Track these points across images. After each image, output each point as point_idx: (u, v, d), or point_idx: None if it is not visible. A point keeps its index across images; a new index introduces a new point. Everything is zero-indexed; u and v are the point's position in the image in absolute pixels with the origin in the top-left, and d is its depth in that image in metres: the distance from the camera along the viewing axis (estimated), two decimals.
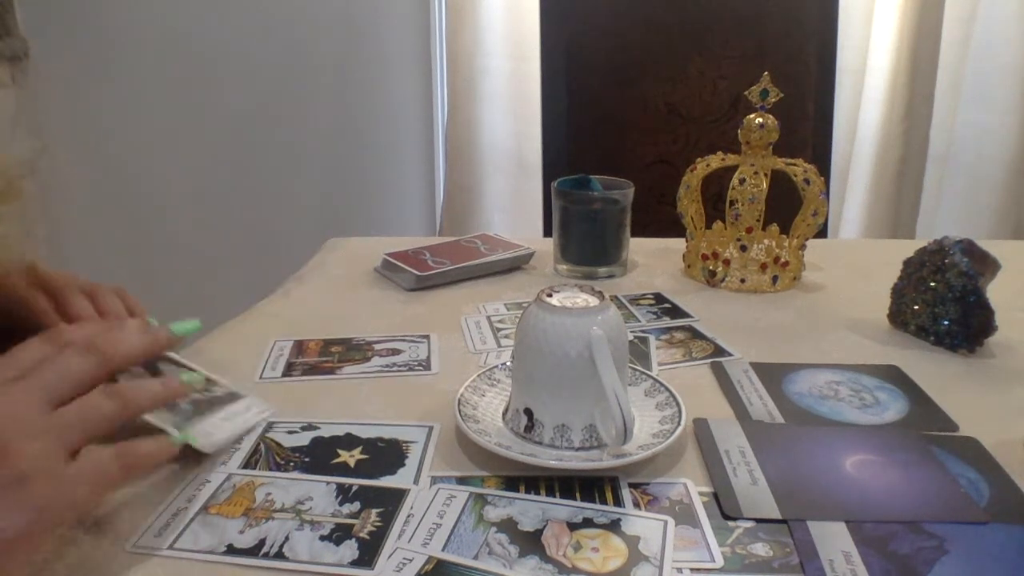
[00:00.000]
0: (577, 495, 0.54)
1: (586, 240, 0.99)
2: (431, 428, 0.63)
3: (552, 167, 1.48)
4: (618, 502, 0.54)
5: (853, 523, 0.52)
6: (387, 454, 0.59)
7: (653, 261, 1.05)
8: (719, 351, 0.78)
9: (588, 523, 0.52)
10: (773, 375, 0.73)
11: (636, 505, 0.54)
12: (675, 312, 0.88)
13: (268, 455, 0.59)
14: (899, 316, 0.83)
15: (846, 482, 0.57)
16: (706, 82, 1.47)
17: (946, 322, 0.78)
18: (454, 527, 0.51)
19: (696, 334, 0.83)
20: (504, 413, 0.62)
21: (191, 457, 0.57)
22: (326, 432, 0.62)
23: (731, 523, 0.52)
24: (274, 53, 1.58)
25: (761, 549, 0.50)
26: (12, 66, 0.90)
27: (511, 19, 2.01)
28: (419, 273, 0.94)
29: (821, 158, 1.45)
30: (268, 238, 1.59)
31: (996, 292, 0.78)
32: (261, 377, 0.72)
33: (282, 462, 0.58)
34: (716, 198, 1.06)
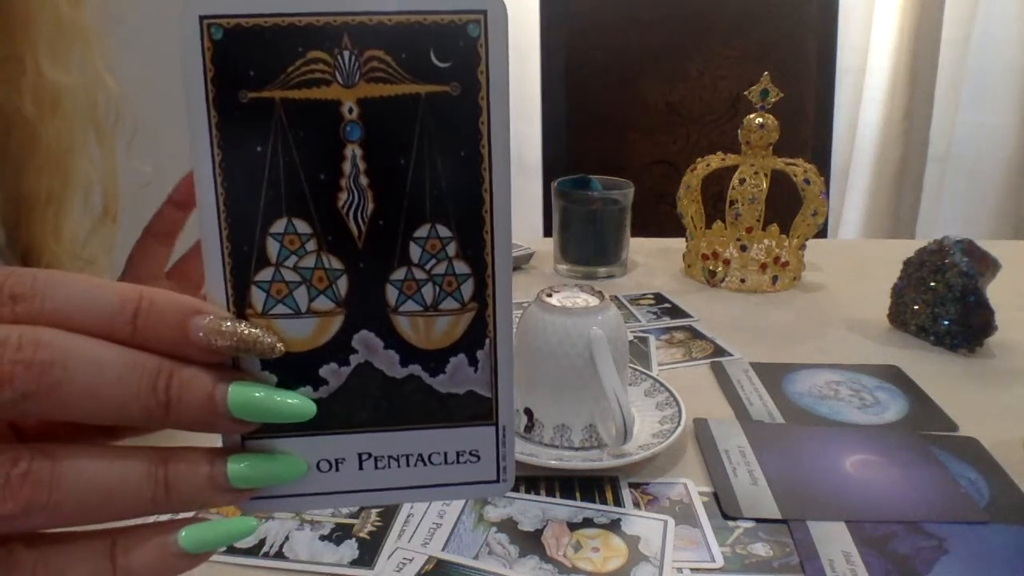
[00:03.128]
0: (577, 495, 0.54)
1: (586, 240, 0.99)
2: None
3: (552, 167, 1.48)
4: (618, 502, 0.54)
5: (853, 523, 0.52)
6: None
7: (653, 261, 1.05)
8: (719, 351, 0.78)
9: (588, 523, 0.52)
10: (773, 375, 0.73)
11: (636, 505, 0.54)
12: (675, 312, 0.88)
13: None
14: (899, 316, 0.83)
15: (846, 482, 0.57)
16: (706, 82, 1.47)
17: (946, 322, 0.78)
18: (454, 527, 0.51)
19: (696, 334, 0.83)
20: None
21: None
22: None
23: (731, 523, 0.52)
24: None
25: (761, 549, 0.50)
26: None
27: (511, 19, 2.01)
28: None
29: (821, 158, 1.45)
30: None
31: (996, 292, 0.78)
32: None
33: None
34: (716, 198, 1.06)
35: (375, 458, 0.27)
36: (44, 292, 0.23)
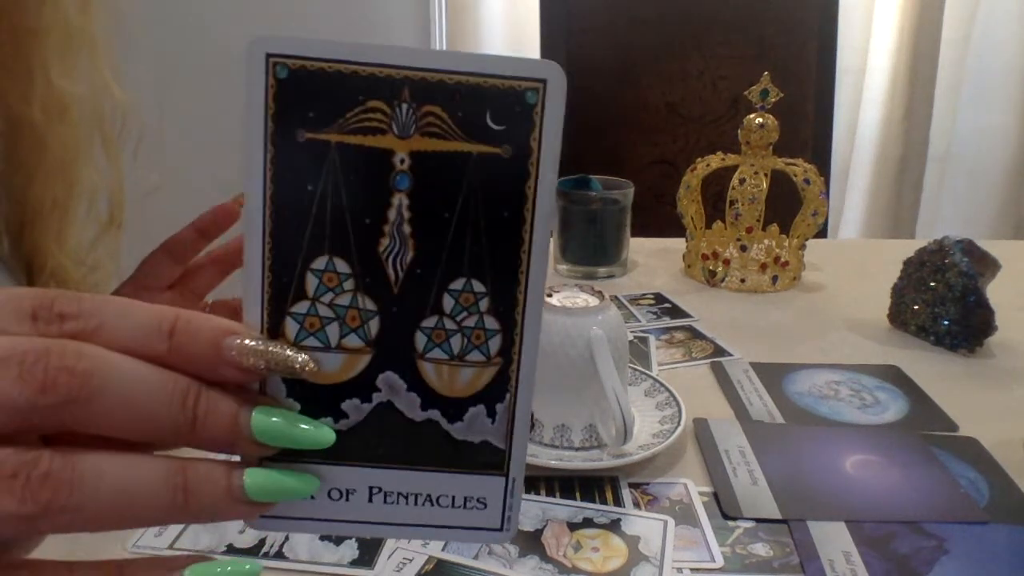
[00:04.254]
0: (577, 495, 0.54)
1: (586, 240, 0.99)
2: None
3: None
4: (618, 502, 0.54)
5: (853, 523, 0.52)
6: None
7: (653, 261, 1.05)
8: (719, 351, 0.78)
9: (588, 523, 0.52)
10: (773, 375, 0.73)
11: (636, 505, 0.54)
12: (675, 312, 0.88)
13: None
14: (899, 316, 0.83)
15: (846, 482, 0.57)
16: (706, 82, 1.47)
17: (946, 322, 0.78)
18: None
19: (696, 334, 0.83)
20: None
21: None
22: None
23: (731, 523, 0.52)
24: None
25: (761, 549, 0.50)
26: None
27: (511, 19, 2.01)
28: None
29: (821, 158, 1.45)
30: None
31: (996, 292, 0.78)
32: None
33: None
34: (716, 198, 1.06)
35: (385, 493, 0.28)
36: (89, 311, 0.24)
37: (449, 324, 0.27)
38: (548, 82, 0.25)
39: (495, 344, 0.27)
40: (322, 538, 0.50)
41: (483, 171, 0.26)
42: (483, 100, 0.25)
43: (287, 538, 0.50)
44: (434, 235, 0.26)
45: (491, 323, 0.27)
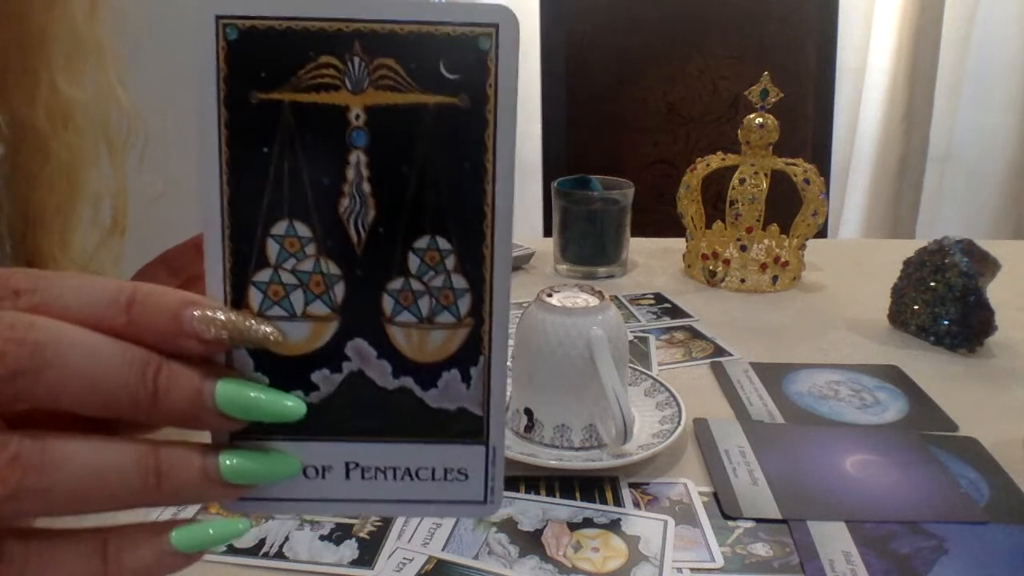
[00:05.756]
0: (577, 495, 0.54)
1: (586, 240, 0.99)
2: None
3: (552, 167, 1.48)
4: (618, 502, 0.54)
5: (853, 523, 0.52)
6: None
7: (653, 261, 1.05)
8: (719, 351, 0.78)
9: (588, 523, 0.52)
10: (773, 375, 0.73)
11: (636, 505, 0.54)
12: (675, 312, 0.88)
13: None
14: (899, 316, 0.83)
15: (846, 482, 0.57)
16: (706, 82, 1.47)
17: (946, 322, 0.78)
18: (454, 527, 0.51)
19: (696, 334, 0.83)
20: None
21: None
22: None
23: (731, 523, 0.52)
24: None
25: (761, 549, 0.50)
26: None
27: None
28: None
29: (821, 158, 1.45)
30: None
31: (996, 292, 0.78)
32: None
33: None
34: (716, 198, 1.06)
35: (362, 468, 0.27)
36: (46, 286, 0.23)
37: (416, 285, 0.26)
38: (500, 26, 0.25)
39: (465, 304, 0.26)
40: (322, 538, 0.50)
41: (440, 122, 0.25)
42: (436, 49, 0.25)
43: (287, 538, 0.50)
44: (394, 192, 0.25)
45: (459, 282, 0.26)
